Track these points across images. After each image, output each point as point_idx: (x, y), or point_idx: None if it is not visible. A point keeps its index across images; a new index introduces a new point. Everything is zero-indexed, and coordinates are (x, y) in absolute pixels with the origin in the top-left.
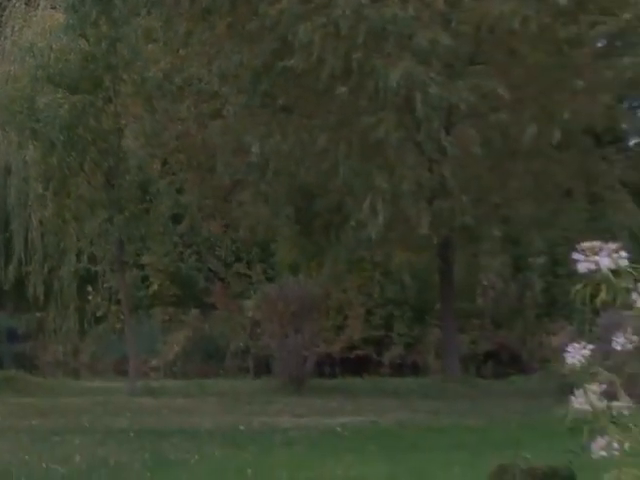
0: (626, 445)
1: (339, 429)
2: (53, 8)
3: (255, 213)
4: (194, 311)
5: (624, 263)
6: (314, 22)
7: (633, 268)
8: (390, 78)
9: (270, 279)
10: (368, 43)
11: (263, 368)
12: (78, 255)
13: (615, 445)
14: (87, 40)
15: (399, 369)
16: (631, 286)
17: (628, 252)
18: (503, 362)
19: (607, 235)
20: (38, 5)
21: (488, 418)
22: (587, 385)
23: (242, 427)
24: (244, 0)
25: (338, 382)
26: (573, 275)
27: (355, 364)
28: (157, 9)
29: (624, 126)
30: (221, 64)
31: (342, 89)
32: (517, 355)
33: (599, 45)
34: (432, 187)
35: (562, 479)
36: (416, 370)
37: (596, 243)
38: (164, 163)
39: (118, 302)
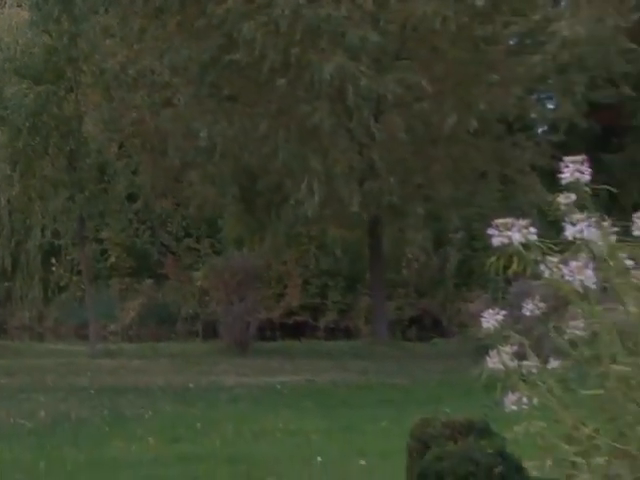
0: (534, 400)
1: (279, 387)
2: (19, 6)
3: (203, 192)
4: (148, 281)
5: (533, 238)
6: (256, 20)
7: (541, 242)
8: (324, 71)
9: (217, 252)
10: (305, 40)
11: (210, 332)
12: (43, 230)
13: (524, 400)
14: (50, 35)
15: (333, 333)
16: (539, 258)
17: (536, 228)
18: (426, 327)
19: (518, 213)
20: (5, 3)
21: (412, 377)
22: (500, 347)
23: (191, 385)
24: (193, 0)
25: (278, 345)
26: (488, 248)
27: (293, 329)
28: (114, 7)
29: (533, 116)
30: (172, 57)
31: (281, 81)
32: (438, 320)
33: (512, 43)
34: (362, 169)
35: (478, 431)
36: (348, 334)
37: (508, 220)
38: (120, 147)
39: (79, 273)
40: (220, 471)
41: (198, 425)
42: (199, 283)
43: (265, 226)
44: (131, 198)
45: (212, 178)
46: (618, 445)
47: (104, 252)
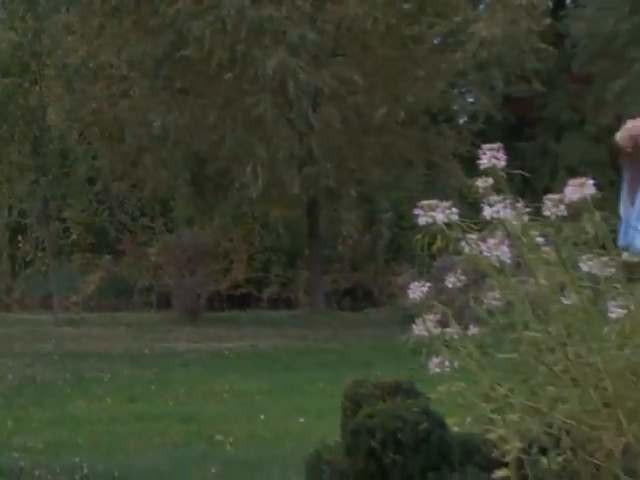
0: (455, 363)
1: (226, 352)
2: None
3: (157, 176)
4: (107, 257)
5: (455, 217)
6: (205, 20)
7: (462, 221)
8: (267, 66)
9: (170, 230)
10: (249, 38)
11: (164, 303)
12: (10, 210)
13: (447, 363)
14: (16, 32)
15: (275, 303)
16: (460, 236)
17: (458, 209)
18: (358, 297)
19: (441, 195)
20: None
21: (346, 343)
22: (425, 315)
23: (146, 351)
24: (147, 0)
25: (225, 314)
26: (414, 227)
27: (239, 300)
28: (74, 6)
29: (455, 107)
30: (128, 53)
31: (228, 75)
32: (370, 292)
33: (435, 42)
34: (302, 156)
35: (405, 391)
36: (289, 304)
37: (432, 201)
38: (81, 134)
39: (44, 249)
40: (172, 429)
41: (152, 387)
42: (153, 258)
43: (213, 207)
44: (91, 181)
45: (165, 163)
46: (530, 403)
47: (66, 230)
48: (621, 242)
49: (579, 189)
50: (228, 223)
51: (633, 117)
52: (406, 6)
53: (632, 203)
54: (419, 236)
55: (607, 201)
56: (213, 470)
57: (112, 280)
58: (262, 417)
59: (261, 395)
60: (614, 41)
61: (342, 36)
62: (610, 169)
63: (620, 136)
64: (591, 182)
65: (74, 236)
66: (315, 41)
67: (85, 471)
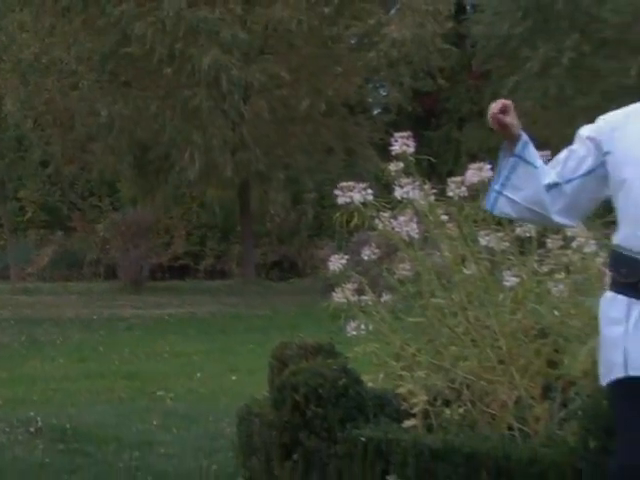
0: (370, 326)
1: (167, 317)
2: None
3: (104, 160)
4: (59, 232)
5: (370, 197)
6: (147, 20)
7: (376, 201)
8: (203, 63)
9: (116, 209)
10: (186, 37)
11: (110, 274)
12: None
13: (362, 327)
14: None
15: (211, 274)
16: (375, 214)
17: (373, 190)
18: (285, 269)
19: (358, 178)
20: None
21: (274, 309)
22: (343, 285)
23: (95, 317)
24: (94, 2)
25: (166, 284)
26: (335, 206)
27: (179, 271)
28: (28, 6)
29: (370, 100)
30: (77, 50)
31: (167, 70)
32: (295, 263)
33: (352, 42)
34: (234, 143)
35: (325, 351)
36: (223, 275)
37: (350, 183)
38: (35, 122)
39: (1, 226)
40: (118, 385)
41: (100, 348)
42: (101, 234)
43: (155, 188)
44: (44, 164)
45: (111, 149)
46: (435, 361)
47: (22, 208)
48: (487, 205)
49: (478, 173)
50: (168, 202)
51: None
52: (326, 9)
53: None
54: (339, 214)
55: None
56: (154, 422)
57: (64, 253)
58: (199, 375)
59: (198, 355)
60: (508, 42)
61: (270, 36)
62: None
63: (488, 118)
64: (488, 167)
65: (29, 214)
66: (245, 40)
67: (39, 424)
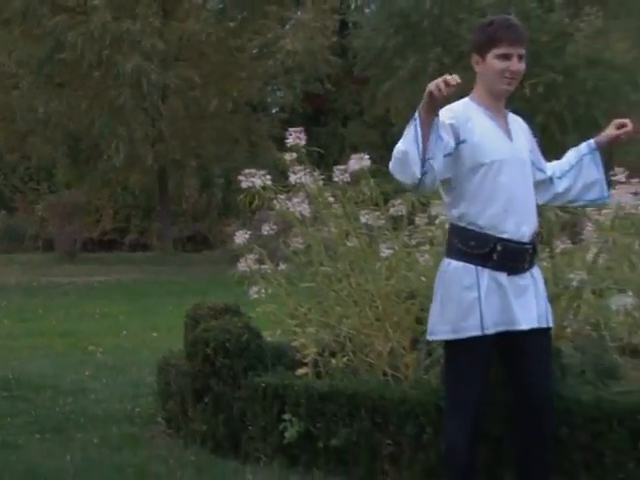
0: (269, 291)
1: (97, 284)
2: None
3: (42, 150)
4: (3, 212)
5: (268, 182)
6: (78, 30)
7: (274, 185)
8: (126, 68)
9: (52, 192)
10: (112, 45)
11: (48, 247)
12: None
13: (262, 291)
14: None
15: (135, 247)
16: (273, 196)
17: (271, 176)
18: (198, 242)
19: (259, 166)
20: None
21: (189, 276)
22: (247, 255)
23: (35, 283)
24: (32, 14)
25: (96, 255)
26: (239, 190)
27: (107, 244)
28: None
29: (269, 101)
30: (18, 55)
31: (96, 73)
32: (206, 238)
33: (254, 52)
34: (154, 136)
35: (232, 312)
36: (145, 248)
37: (252, 170)
38: None
39: None
40: (55, 342)
41: (40, 310)
42: (40, 213)
43: (86, 173)
44: None
45: (48, 140)
46: (323, 319)
47: None
48: (412, 174)
49: (359, 162)
50: (97, 186)
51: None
52: (231, 24)
53: (425, 140)
54: (242, 196)
55: (379, 171)
56: (86, 372)
57: (7, 230)
58: (124, 332)
59: (123, 316)
60: (383, 54)
61: (184, 46)
62: (382, 148)
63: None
64: (367, 157)
65: None
66: (163, 49)
67: None
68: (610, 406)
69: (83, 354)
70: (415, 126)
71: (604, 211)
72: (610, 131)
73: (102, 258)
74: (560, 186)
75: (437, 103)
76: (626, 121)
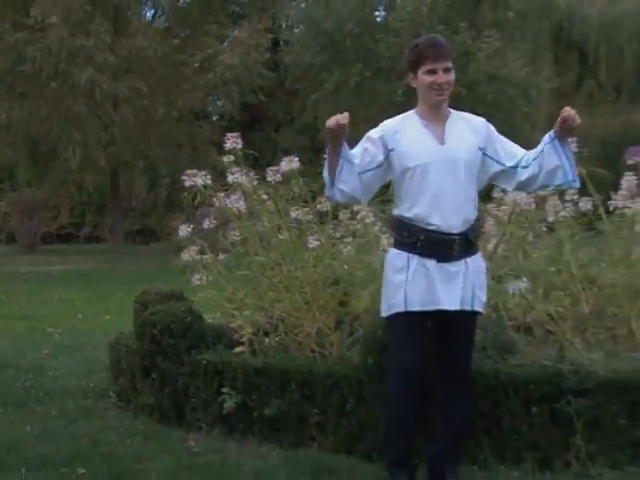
0: (209, 278)
1: (55, 273)
2: None
3: (5, 152)
4: None
5: (209, 181)
6: (37, 46)
7: (214, 184)
8: (81, 79)
9: (14, 190)
10: (68, 59)
11: (11, 239)
12: None
13: (204, 278)
14: None
15: (89, 240)
16: (213, 194)
17: (212, 176)
18: (146, 235)
19: (201, 167)
20: None
21: (138, 266)
22: (190, 247)
23: None
24: None
25: (54, 247)
26: (183, 188)
27: (64, 237)
28: None
29: (210, 109)
30: None
31: (53, 84)
32: (154, 231)
33: (196, 65)
34: (106, 140)
35: (176, 297)
36: (99, 240)
37: (195, 171)
38: None
39: None
40: (17, 325)
41: (2, 296)
42: (3, 209)
43: (45, 174)
44: None
45: (10, 143)
46: (258, 303)
47: None
48: (329, 195)
49: (289, 164)
50: (55, 185)
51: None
52: (176, 41)
53: (332, 169)
54: (186, 194)
55: (307, 172)
56: (45, 351)
57: None
58: (80, 316)
59: (79, 301)
60: (311, 68)
61: (133, 59)
62: (310, 151)
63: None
64: (297, 159)
65: None
66: (114, 62)
67: None
68: (507, 377)
69: (42, 335)
70: (326, 158)
71: (503, 207)
72: (558, 123)
73: (60, 250)
74: (523, 175)
75: (338, 136)
76: (569, 113)
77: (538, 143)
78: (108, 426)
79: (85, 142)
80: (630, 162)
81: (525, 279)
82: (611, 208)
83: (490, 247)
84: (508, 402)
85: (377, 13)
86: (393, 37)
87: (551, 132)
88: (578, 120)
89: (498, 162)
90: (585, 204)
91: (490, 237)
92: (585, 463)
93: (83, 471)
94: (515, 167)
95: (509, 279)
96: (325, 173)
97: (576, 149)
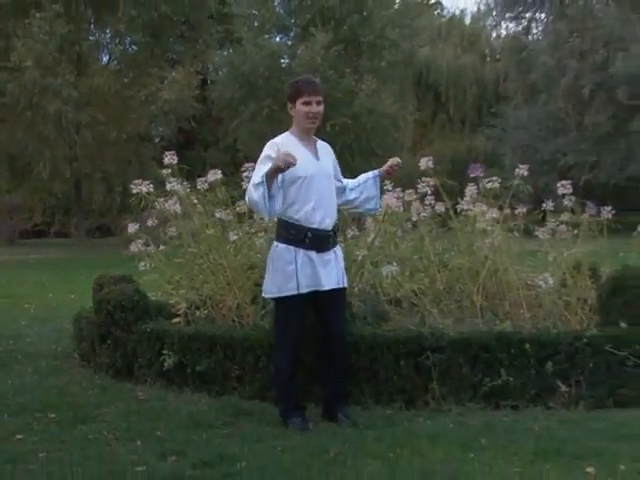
0: (152, 265)
1: (30, 261)
2: None
3: None
4: None
5: (151, 189)
6: (15, 83)
7: (155, 192)
8: (50, 110)
9: None
10: (40, 94)
11: None
12: None
13: (148, 265)
14: None
15: (58, 235)
16: (155, 199)
17: (153, 185)
18: (103, 231)
19: (148, 179)
20: None
21: (96, 255)
22: (137, 240)
23: None
24: None
25: (30, 241)
26: (132, 194)
27: (38, 233)
28: None
29: (153, 133)
30: None
31: (28, 113)
32: (109, 228)
33: (142, 99)
34: (71, 157)
35: (126, 280)
36: (66, 235)
37: (139, 180)
38: None
39: None
40: (0, 302)
41: None
42: None
43: (22, 183)
44: None
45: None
46: (190, 284)
47: None
48: (268, 214)
49: (214, 175)
50: (30, 192)
51: (244, 141)
52: (126, 80)
53: (268, 191)
54: (134, 199)
55: (228, 182)
56: (23, 323)
57: None
58: (50, 295)
59: (50, 283)
60: (232, 102)
61: (92, 94)
62: (231, 166)
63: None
64: (220, 173)
65: None
66: (77, 97)
67: None
68: (382, 339)
69: (20, 310)
70: (263, 186)
71: (379, 209)
72: (385, 167)
73: (34, 243)
74: (350, 195)
75: (284, 170)
76: (395, 162)
77: (408, 163)
78: (73, 381)
79: (54, 158)
80: (472, 176)
81: (395, 264)
82: (458, 210)
83: (369, 240)
84: (383, 358)
85: (282, 60)
86: (293, 79)
87: (377, 171)
88: (399, 165)
89: (339, 180)
90: (439, 207)
91: (369, 232)
92: (439, 402)
93: (53, 415)
94: (344, 187)
95: (383, 264)
96: (255, 197)
97: (432, 165)
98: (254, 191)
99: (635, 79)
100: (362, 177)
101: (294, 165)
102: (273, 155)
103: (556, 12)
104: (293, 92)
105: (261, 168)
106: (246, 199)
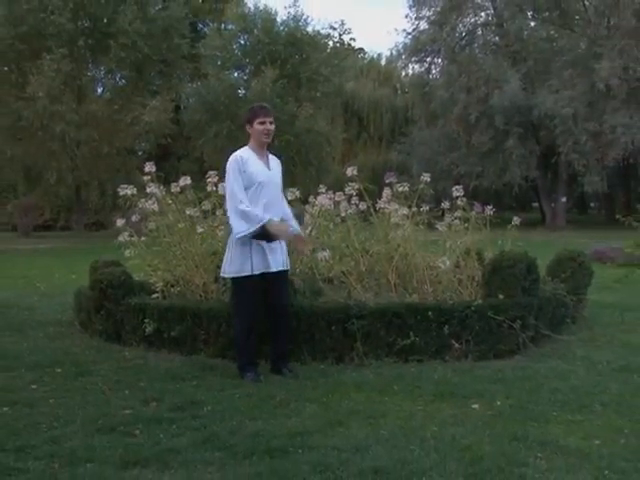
0: (136, 252)
1: (42, 249)
2: None
3: (9, 175)
4: None
5: (135, 192)
6: (29, 110)
7: (139, 194)
8: (57, 130)
9: (16, 198)
10: (49, 117)
11: (14, 229)
12: None
13: (133, 252)
14: None
15: (63, 229)
16: (138, 200)
17: (137, 189)
18: (98, 226)
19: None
20: None
21: (92, 244)
22: (124, 232)
23: (4, 248)
24: (4, 104)
25: (41, 234)
26: (120, 196)
27: (48, 227)
28: None
29: (136, 148)
30: None
31: (40, 133)
32: (103, 223)
33: (129, 122)
34: (72, 168)
35: (115, 264)
36: (68, 229)
37: (126, 185)
38: None
39: None
40: (18, 282)
41: (9, 264)
42: (9, 210)
43: (36, 188)
44: None
45: (13, 170)
46: (166, 267)
47: None
48: (240, 234)
49: (185, 181)
50: (41, 195)
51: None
52: (116, 106)
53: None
54: (121, 199)
55: (196, 186)
56: (35, 298)
57: None
58: (56, 275)
59: (55, 266)
60: (199, 123)
61: (89, 118)
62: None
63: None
64: (189, 179)
65: None
66: (77, 120)
67: None
68: (318, 309)
69: (33, 288)
70: (254, 229)
71: (315, 207)
72: (294, 243)
73: (44, 235)
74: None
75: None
76: (302, 240)
77: (338, 171)
78: (74, 343)
79: (59, 168)
80: (387, 181)
81: (328, 251)
82: (377, 208)
83: (307, 231)
84: (318, 324)
85: (239, 91)
86: (250, 106)
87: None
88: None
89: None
90: (362, 206)
91: (308, 225)
92: (362, 358)
93: (59, 370)
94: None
95: (319, 251)
96: (244, 230)
97: (356, 173)
98: (246, 223)
99: (508, 110)
100: (291, 216)
101: (290, 237)
102: (238, 167)
103: (449, 58)
104: (251, 115)
105: (237, 187)
106: (232, 212)
